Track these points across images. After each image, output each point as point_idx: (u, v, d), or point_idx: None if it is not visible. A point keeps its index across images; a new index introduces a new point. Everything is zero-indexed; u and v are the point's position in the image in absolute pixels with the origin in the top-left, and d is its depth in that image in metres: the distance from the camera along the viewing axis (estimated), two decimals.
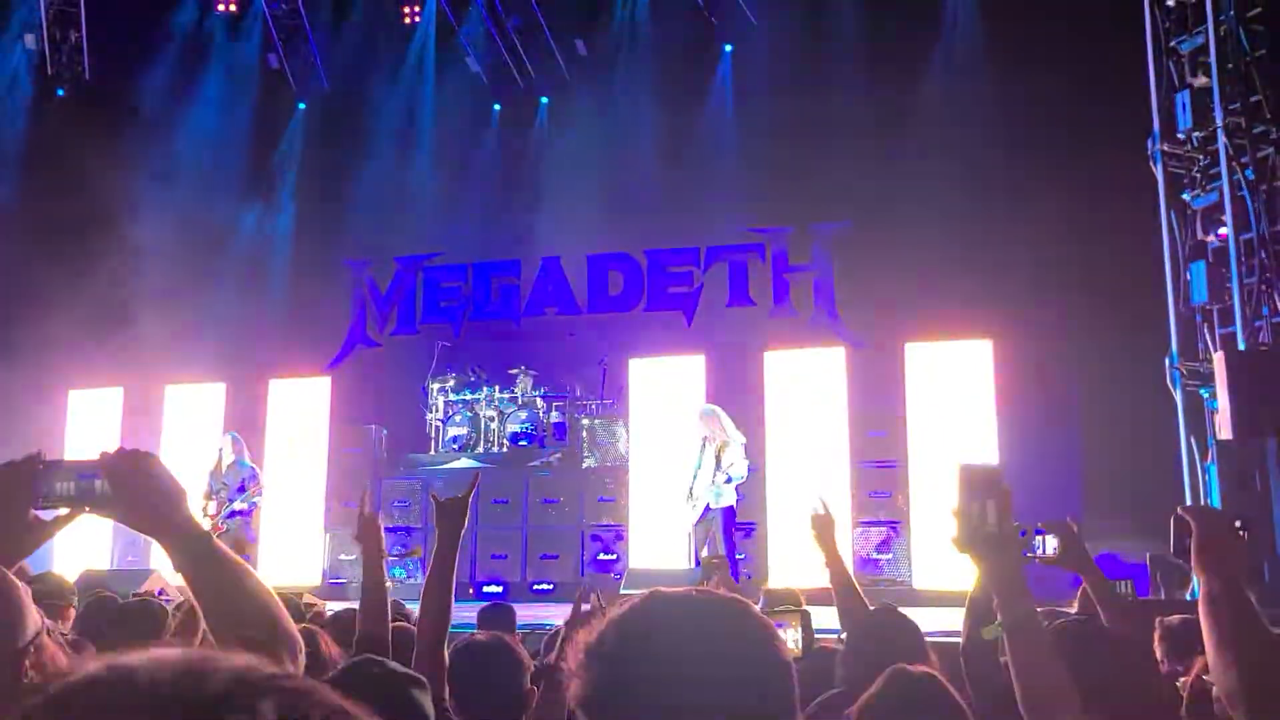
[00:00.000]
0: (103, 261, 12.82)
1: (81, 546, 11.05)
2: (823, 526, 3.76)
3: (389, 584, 3.27)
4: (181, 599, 3.87)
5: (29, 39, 13.50)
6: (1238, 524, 1.86)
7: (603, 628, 1.15)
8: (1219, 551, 1.77)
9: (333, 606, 5.62)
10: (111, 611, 3.64)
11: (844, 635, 3.28)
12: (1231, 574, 1.74)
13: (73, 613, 3.88)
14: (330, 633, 2.94)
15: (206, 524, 8.55)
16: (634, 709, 1.08)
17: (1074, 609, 3.41)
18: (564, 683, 1.16)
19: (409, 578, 10.22)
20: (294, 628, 1.51)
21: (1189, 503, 8.62)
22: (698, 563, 7.90)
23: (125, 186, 13.02)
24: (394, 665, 2.21)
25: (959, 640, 2.93)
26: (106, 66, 13.75)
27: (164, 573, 7.76)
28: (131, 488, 1.51)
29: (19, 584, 1.58)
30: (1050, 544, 2.78)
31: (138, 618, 3.52)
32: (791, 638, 3.20)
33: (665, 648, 1.10)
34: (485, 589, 9.71)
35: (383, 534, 3.17)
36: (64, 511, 1.56)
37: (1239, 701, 1.65)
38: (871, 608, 3.40)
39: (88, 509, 1.55)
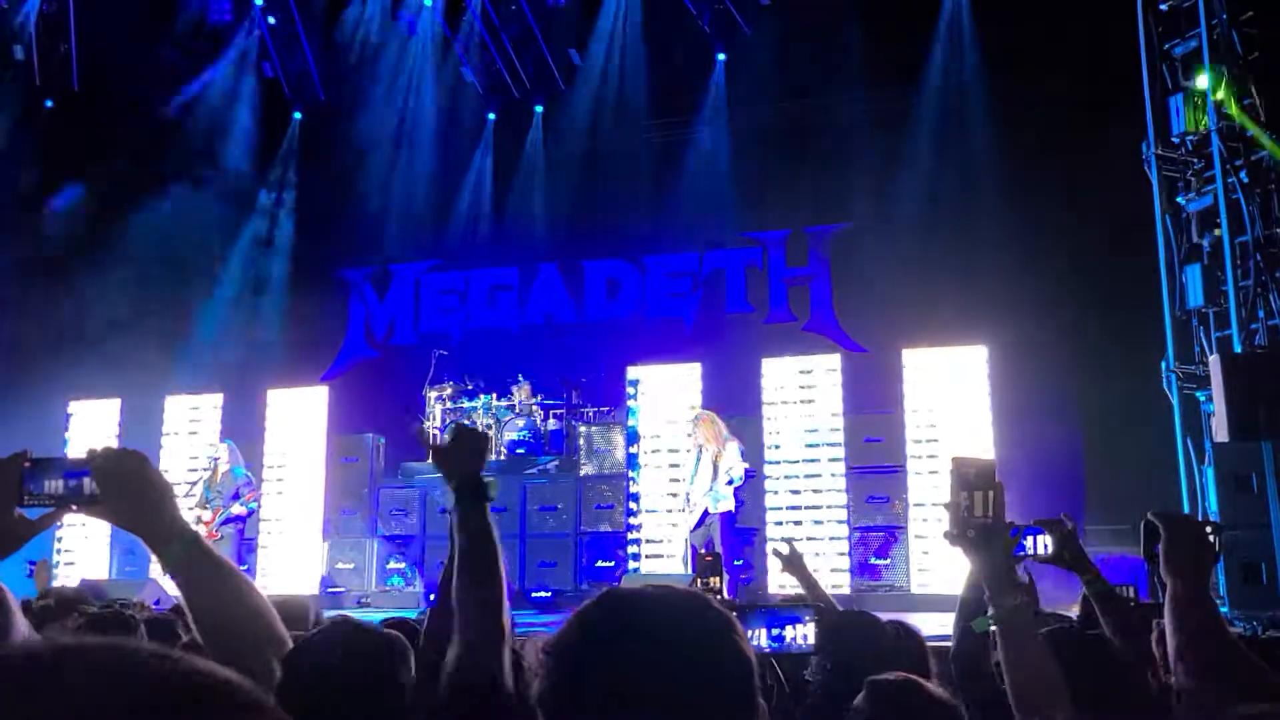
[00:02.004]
0: (99, 272, 12.81)
1: (80, 555, 11.07)
2: (791, 563, 4.05)
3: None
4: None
5: (17, 49, 13.43)
6: (1208, 529, 1.87)
7: (563, 626, 1.14)
8: (1186, 556, 1.79)
9: (329, 615, 5.59)
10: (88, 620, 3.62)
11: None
12: (1197, 577, 1.77)
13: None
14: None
15: (201, 531, 8.54)
16: (592, 707, 1.07)
17: (1077, 611, 3.39)
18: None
19: (407, 585, 10.21)
20: (284, 631, 1.50)
21: (1183, 509, 8.63)
22: (694, 568, 7.87)
23: (118, 197, 13.02)
24: None
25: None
26: (96, 77, 13.68)
27: (162, 581, 7.74)
28: (120, 487, 1.49)
29: (7, 592, 1.58)
30: (1044, 542, 2.77)
31: (107, 627, 3.49)
32: (801, 633, 3.20)
33: (623, 645, 1.08)
34: None
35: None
36: (51, 509, 1.53)
37: (1196, 700, 1.67)
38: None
39: (75, 508, 1.52)
